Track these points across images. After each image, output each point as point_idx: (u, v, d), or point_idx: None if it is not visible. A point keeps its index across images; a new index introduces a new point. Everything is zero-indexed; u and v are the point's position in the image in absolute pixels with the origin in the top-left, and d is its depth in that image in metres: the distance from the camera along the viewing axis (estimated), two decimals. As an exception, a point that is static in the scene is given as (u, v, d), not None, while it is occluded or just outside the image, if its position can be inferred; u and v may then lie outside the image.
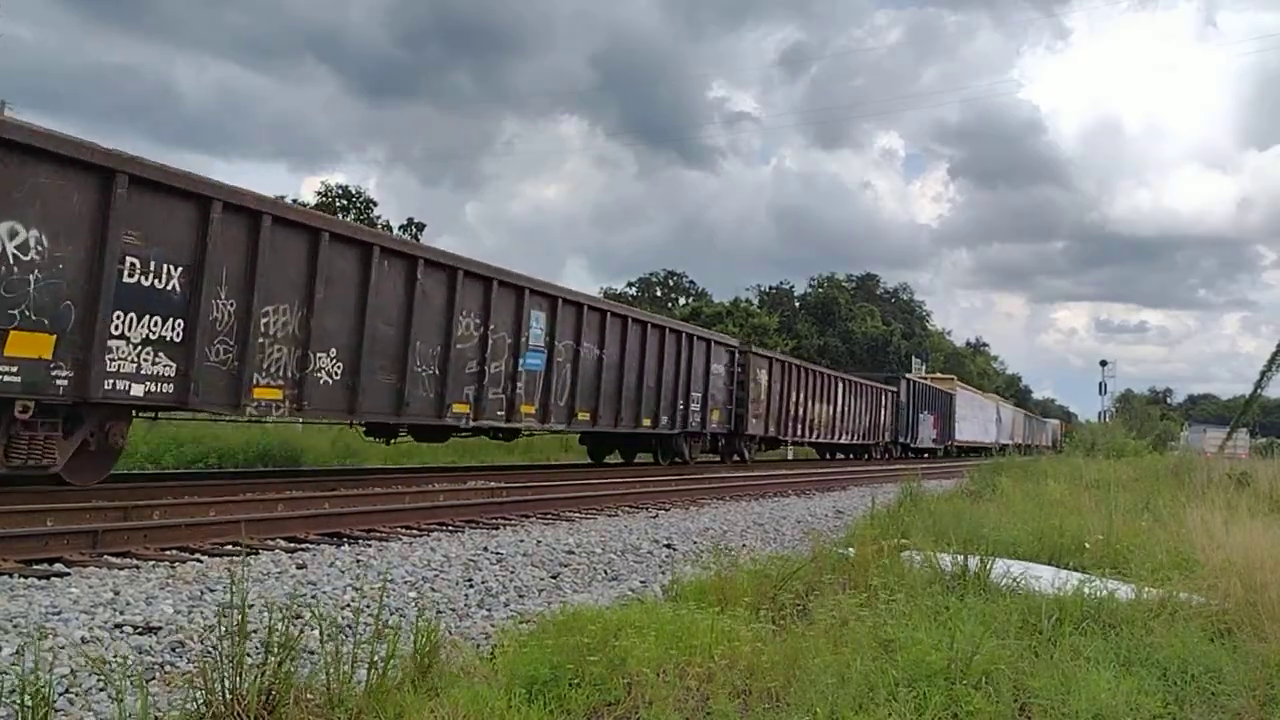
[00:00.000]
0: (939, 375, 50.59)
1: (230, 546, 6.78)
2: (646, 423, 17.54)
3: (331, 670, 3.35)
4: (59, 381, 7.79)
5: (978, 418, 52.49)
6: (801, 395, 25.74)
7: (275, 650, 3.23)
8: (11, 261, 7.39)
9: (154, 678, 3.88)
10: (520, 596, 6.25)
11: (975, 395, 54.48)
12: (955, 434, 45.20)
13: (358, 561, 6.48)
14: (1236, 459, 23.68)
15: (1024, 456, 31.45)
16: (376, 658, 3.45)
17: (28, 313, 7.50)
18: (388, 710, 3.23)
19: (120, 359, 8.21)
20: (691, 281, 73.46)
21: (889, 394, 35.53)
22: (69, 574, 5.49)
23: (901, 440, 36.46)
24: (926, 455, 41.06)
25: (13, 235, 7.39)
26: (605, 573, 7.34)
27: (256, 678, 3.15)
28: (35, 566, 5.62)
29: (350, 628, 4.62)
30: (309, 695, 3.27)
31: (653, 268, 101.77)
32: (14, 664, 3.70)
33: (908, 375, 40.23)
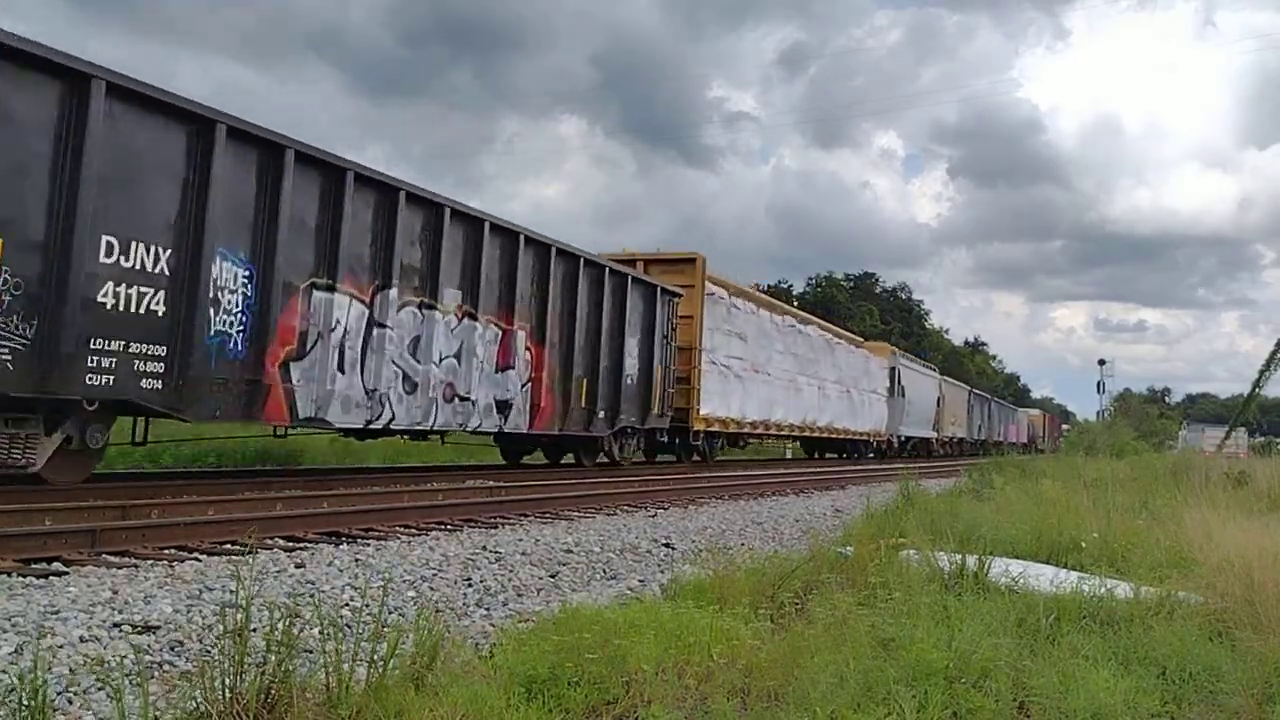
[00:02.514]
0: (665, 254, 20.21)
1: (229, 545, 6.78)
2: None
3: (331, 669, 3.34)
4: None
5: (819, 379, 27.26)
6: None
7: (275, 649, 3.23)
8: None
9: (153, 677, 3.87)
10: (519, 595, 6.25)
11: (809, 331, 27.10)
12: (703, 406, 19.55)
13: (356, 560, 6.48)
14: (1236, 458, 23.70)
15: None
16: (376, 657, 3.45)
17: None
18: (388, 709, 3.22)
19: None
20: (690, 280, 73.35)
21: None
22: (67, 573, 5.49)
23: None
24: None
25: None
26: (604, 571, 7.34)
27: (256, 677, 3.15)
28: (34, 565, 5.61)
29: (350, 626, 4.62)
30: (309, 694, 3.27)
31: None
32: (12, 663, 3.70)
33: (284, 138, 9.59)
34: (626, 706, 3.59)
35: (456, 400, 12.48)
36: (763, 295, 25.56)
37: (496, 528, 8.73)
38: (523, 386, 13.86)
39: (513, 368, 13.54)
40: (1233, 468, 15.53)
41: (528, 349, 13.97)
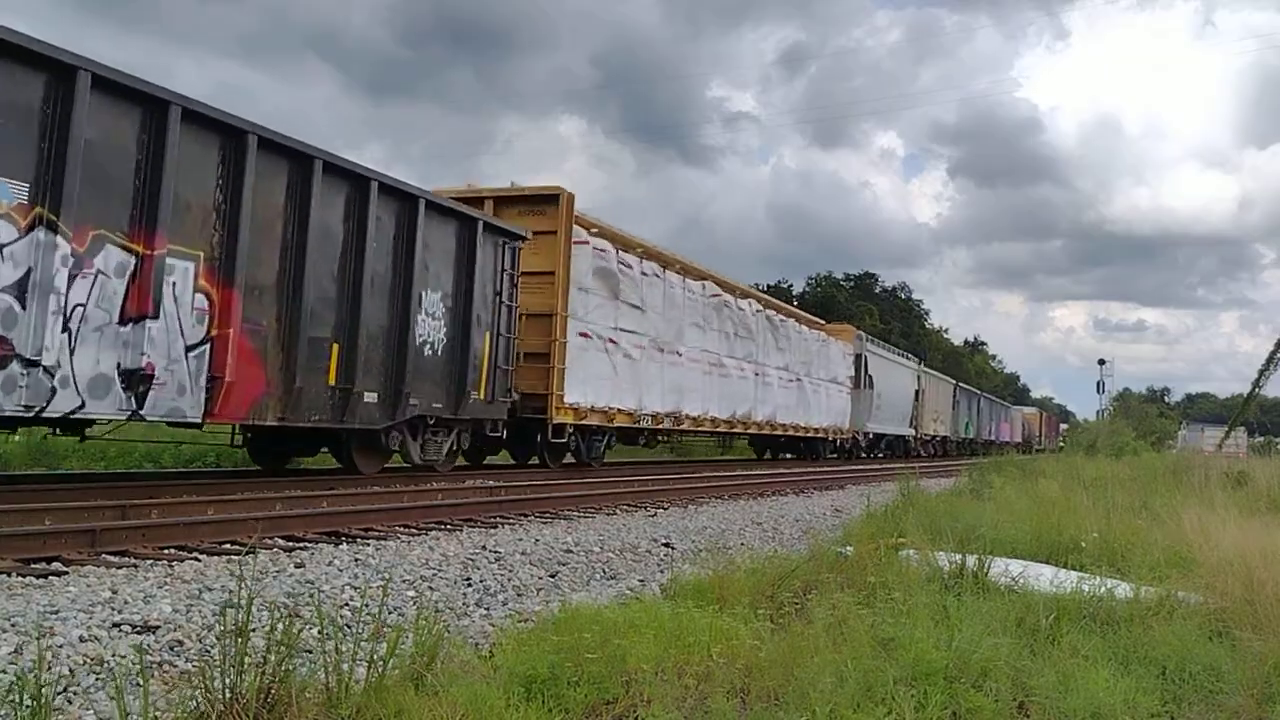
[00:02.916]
0: (519, 189, 15.47)
1: (229, 545, 6.78)
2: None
3: (331, 669, 3.35)
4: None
5: (758, 364, 22.56)
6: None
7: (275, 649, 3.23)
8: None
9: (153, 676, 3.87)
10: (519, 595, 6.25)
11: (744, 306, 22.12)
12: (569, 392, 14.80)
13: (356, 560, 6.48)
14: (1236, 458, 23.75)
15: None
16: (376, 656, 3.45)
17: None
18: (388, 708, 3.23)
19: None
20: (689, 280, 73.17)
21: None
22: (67, 572, 5.48)
23: None
24: None
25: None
26: (603, 571, 7.34)
27: (256, 676, 3.15)
28: (33, 565, 5.61)
29: (349, 626, 4.62)
30: (309, 694, 3.27)
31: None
32: (12, 663, 3.70)
33: None
34: (626, 706, 3.59)
35: (15, 366, 7.32)
36: (675, 255, 19.09)
37: (496, 527, 8.73)
38: (189, 350, 8.76)
39: (156, 317, 8.40)
40: (1232, 467, 15.55)
41: (201, 291, 8.90)
